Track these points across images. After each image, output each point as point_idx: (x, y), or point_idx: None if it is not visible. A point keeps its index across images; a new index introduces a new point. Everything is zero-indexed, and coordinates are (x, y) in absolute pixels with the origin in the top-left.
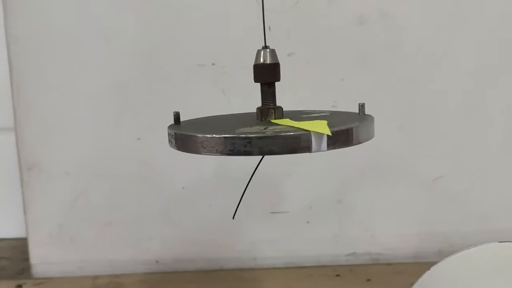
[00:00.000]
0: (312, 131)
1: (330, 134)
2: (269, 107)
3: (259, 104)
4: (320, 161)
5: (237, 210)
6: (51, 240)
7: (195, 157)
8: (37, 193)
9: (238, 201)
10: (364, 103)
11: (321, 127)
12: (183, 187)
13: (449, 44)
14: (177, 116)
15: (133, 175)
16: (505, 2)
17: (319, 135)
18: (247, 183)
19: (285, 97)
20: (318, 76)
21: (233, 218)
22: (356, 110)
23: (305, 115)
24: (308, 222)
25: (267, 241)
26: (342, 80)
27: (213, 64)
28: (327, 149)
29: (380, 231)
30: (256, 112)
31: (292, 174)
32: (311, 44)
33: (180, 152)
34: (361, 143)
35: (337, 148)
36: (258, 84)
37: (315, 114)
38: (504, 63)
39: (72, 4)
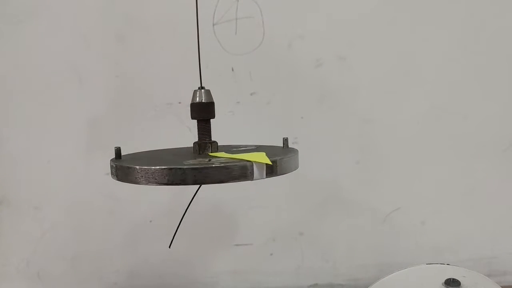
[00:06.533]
0: (254, 161)
1: (270, 163)
2: (205, 141)
3: (220, 139)
4: (281, 195)
5: (202, 242)
6: (18, 275)
7: (163, 191)
8: (6, 227)
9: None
10: (287, 138)
11: (261, 158)
12: (151, 221)
13: (401, 84)
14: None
15: (102, 209)
16: (449, 45)
17: (260, 164)
18: (183, 213)
19: (247, 134)
20: (279, 114)
21: (169, 247)
22: (315, 145)
23: (234, 149)
24: (271, 254)
25: (231, 273)
26: (302, 118)
27: (179, 102)
28: (265, 177)
29: (341, 262)
30: (193, 146)
31: (255, 207)
32: (272, 84)
33: (148, 186)
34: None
35: (272, 177)
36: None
37: (243, 148)
38: (452, 101)
39: (47, 45)
